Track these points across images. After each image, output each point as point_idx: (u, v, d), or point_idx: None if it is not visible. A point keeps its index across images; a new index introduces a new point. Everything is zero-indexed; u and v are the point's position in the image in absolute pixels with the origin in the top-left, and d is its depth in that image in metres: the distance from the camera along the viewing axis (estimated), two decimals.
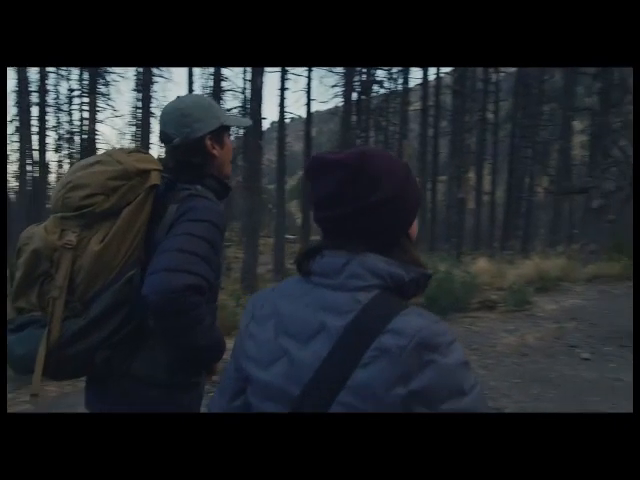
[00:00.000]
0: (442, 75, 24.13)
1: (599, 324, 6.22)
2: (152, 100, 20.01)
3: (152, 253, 1.23)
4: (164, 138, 1.40)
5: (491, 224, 24.92)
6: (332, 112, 24.11)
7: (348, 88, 16.40)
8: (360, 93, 16.94)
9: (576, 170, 19.84)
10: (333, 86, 21.05)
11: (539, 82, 22.60)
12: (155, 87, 20.16)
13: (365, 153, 0.85)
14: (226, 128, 1.45)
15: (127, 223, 1.24)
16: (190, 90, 19.05)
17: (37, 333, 1.19)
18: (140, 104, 21.05)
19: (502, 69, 23.11)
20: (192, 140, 1.36)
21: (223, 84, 18.69)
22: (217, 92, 18.90)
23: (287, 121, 20.66)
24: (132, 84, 23.54)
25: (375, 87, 22.20)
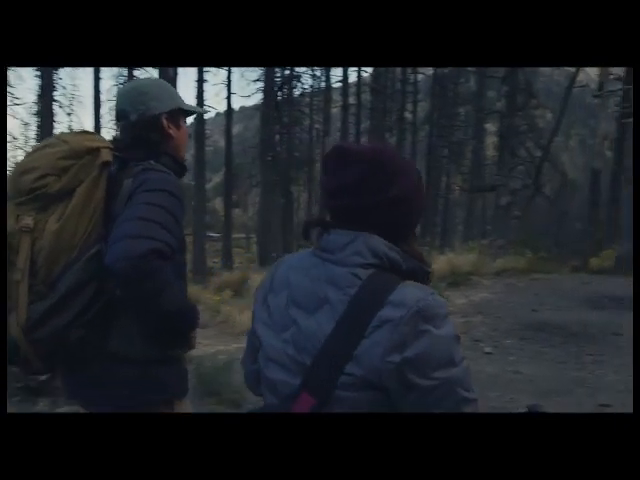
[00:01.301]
0: (363, 74, 24.43)
1: (503, 317, 6.40)
2: (56, 87, 18.42)
3: (112, 227, 1.22)
4: (120, 115, 1.41)
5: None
6: (257, 108, 23.65)
7: (269, 83, 16.07)
8: (280, 89, 16.71)
9: (488, 169, 20.87)
10: (255, 80, 20.69)
11: (454, 85, 23.57)
12: (60, 73, 18.55)
13: (384, 150, 0.91)
14: (182, 112, 1.47)
15: (82, 201, 1.23)
16: (98, 77, 17.82)
17: (11, 320, 1.19)
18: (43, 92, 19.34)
19: (420, 70, 23.81)
20: (149, 117, 1.38)
21: (136, 72, 17.60)
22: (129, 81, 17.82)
23: (212, 116, 19.91)
24: (34, 70, 21.65)
25: (297, 84, 22.00)
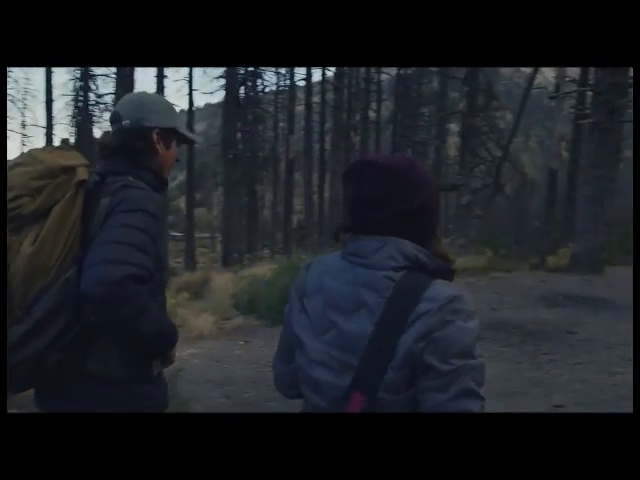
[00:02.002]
0: (327, 72, 24.36)
1: None
2: (8, 81, 17.57)
3: (88, 248, 1.19)
4: (114, 118, 1.40)
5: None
6: (222, 105, 23.22)
7: (231, 81, 15.75)
8: (243, 85, 16.42)
9: (450, 169, 21.16)
10: (217, 77, 20.27)
11: (418, 85, 23.79)
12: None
13: (411, 161, 0.98)
14: (175, 135, 1.47)
15: (58, 222, 1.20)
16: (50, 71, 17.08)
17: None
18: None
19: (384, 70, 23.91)
20: (140, 126, 1.37)
21: (93, 68, 16.96)
22: (86, 76, 17.18)
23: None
24: None
25: (260, 81, 21.72)
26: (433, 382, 0.86)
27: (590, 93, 10.13)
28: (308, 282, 1.02)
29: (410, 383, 0.88)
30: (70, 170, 1.24)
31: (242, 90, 19.75)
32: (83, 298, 1.14)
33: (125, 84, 12.66)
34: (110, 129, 1.42)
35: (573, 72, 15.33)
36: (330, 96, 24.72)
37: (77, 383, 1.25)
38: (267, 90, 23.15)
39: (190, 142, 1.59)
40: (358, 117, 24.05)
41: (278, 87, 25.93)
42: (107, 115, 18.98)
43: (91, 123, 19.65)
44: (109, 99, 18.16)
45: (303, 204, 24.70)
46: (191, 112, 19.73)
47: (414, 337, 0.86)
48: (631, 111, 12.14)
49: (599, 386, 3.90)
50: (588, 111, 9.92)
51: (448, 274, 0.97)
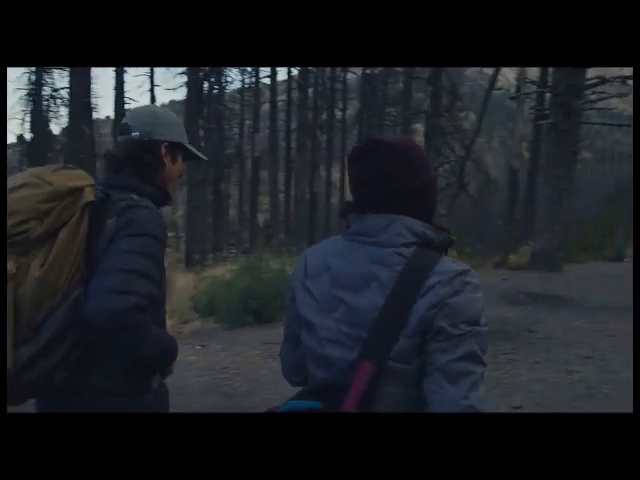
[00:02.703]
0: (293, 70, 24.17)
1: None
2: None
3: (94, 268, 1.21)
4: (124, 129, 1.41)
5: (341, 219, 25.69)
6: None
7: (193, 77, 15.34)
8: (205, 81, 16.05)
9: None
10: (180, 73, 19.77)
11: (384, 85, 23.90)
12: None
13: (412, 142, 1.07)
14: (182, 150, 1.49)
15: (66, 244, 1.20)
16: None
17: None
18: None
19: (350, 69, 23.90)
20: (150, 139, 1.39)
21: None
22: (40, 70, 16.45)
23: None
24: None
25: (223, 78, 21.31)
26: (442, 344, 0.91)
27: (549, 94, 10.32)
28: (309, 266, 1.06)
29: (421, 351, 0.93)
30: (77, 191, 1.23)
31: (206, 87, 19.30)
32: (85, 325, 1.16)
33: (81, 78, 12.15)
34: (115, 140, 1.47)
35: (533, 74, 15.67)
36: (297, 94, 24.61)
37: (79, 396, 1.27)
38: (233, 88, 22.73)
39: (196, 158, 1.60)
40: (324, 116, 23.98)
41: (244, 84, 25.61)
42: (64, 110, 18.30)
43: (47, 118, 18.90)
44: (65, 93, 17.44)
45: (269, 203, 24.50)
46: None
47: (427, 305, 0.92)
48: (588, 112, 12.48)
49: (557, 386, 3.91)
50: (547, 112, 10.11)
51: (451, 245, 1.05)
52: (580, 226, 21.96)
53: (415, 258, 0.96)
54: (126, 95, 18.27)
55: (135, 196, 1.31)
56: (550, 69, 11.65)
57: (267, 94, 24.48)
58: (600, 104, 10.16)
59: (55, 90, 18.14)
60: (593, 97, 9.90)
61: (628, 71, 10.47)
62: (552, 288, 7.52)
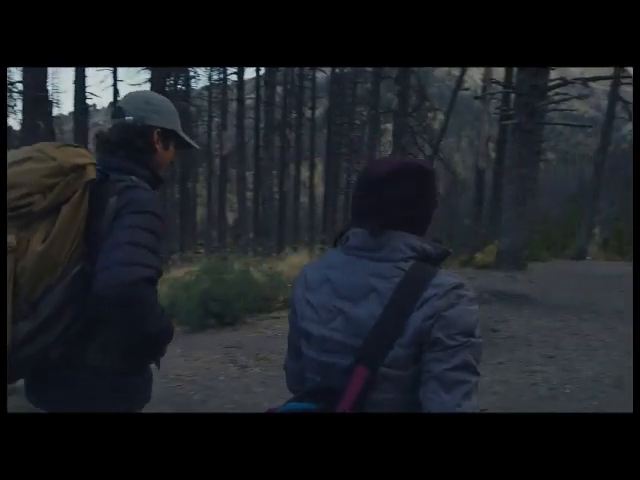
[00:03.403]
0: (261, 69, 23.87)
1: None
2: None
3: (95, 246, 1.22)
4: (117, 113, 1.42)
5: (311, 218, 25.66)
6: None
7: (157, 73, 14.89)
8: (168, 77, 15.61)
9: None
10: (145, 69, 19.21)
11: (354, 84, 23.88)
12: None
13: (424, 165, 1.10)
14: (175, 138, 1.50)
15: (68, 220, 1.21)
16: None
17: None
18: None
19: (319, 69, 23.78)
20: (142, 124, 1.40)
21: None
22: None
23: (105, 106, 18.13)
24: None
25: (189, 74, 20.84)
26: (438, 354, 0.94)
27: (514, 95, 10.44)
28: (309, 280, 1.09)
29: (416, 359, 0.96)
30: (80, 168, 1.24)
31: (172, 83, 18.83)
32: (96, 298, 1.17)
33: (35, 72, 11.63)
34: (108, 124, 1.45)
35: (499, 74, 15.88)
36: (265, 92, 24.31)
37: (73, 374, 1.28)
38: (203, 84, 22.23)
39: (189, 147, 1.60)
40: (293, 114, 23.81)
41: (211, 81, 25.17)
42: (19, 104, 17.52)
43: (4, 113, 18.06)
44: (21, 87, 16.73)
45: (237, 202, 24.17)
46: (116, 105, 18.60)
47: (422, 317, 0.95)
48: (550, 114, 12.70)
49: (519, 387, 3.87)
50: (511, 112, 10.22)
51: (447, 256, 1.07)
52: (544, 225, 22.49)
53: (413, 271, 1.00)
54: (88, 90, 17.69)
55: (134, 177, 1.33)
56: (515, 69, 11.79)
57: (235, 91, 24.15)
58: (563, 105, 10.33)
59: (11, 84, 17.39)
60: (556, 98, 10.06)
61: (589, 73, 10.69)
62: (517, 287, 7.58)
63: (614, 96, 15.67)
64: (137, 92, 1.53)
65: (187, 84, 22.56)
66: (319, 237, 22.17)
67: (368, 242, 1.03)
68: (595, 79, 10.10)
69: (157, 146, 1.44)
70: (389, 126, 24.04)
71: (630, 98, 15.90)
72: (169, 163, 1.54)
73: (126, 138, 1.38)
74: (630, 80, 13.34)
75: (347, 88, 23.67)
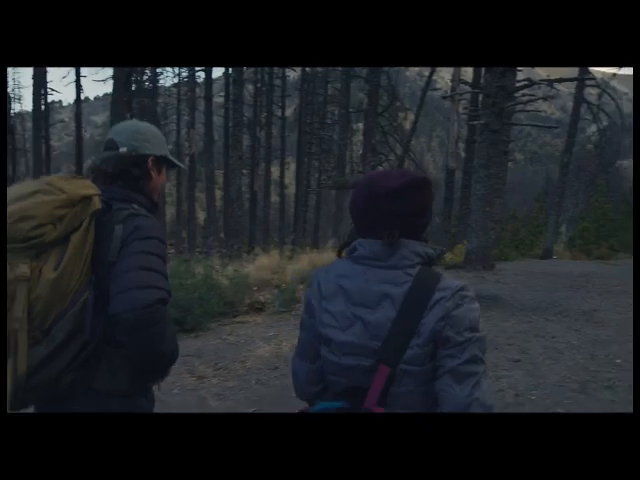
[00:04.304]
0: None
1: None
2: None
3: (102, 273, 1.29)
4: (110, 145, 1.49)
5: (281, 218, 25.41)
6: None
7: (120, 69, 14.37)
8: (130, 74, 15.11)
9: (356, 167, 21.32)
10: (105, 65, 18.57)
11: (326, 83, 23.74)
12: None
13: (426, 179, 1.19)
14: (165, 161, 1.58)
15: (77, 248, 1.27)
16: None
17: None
18: None
19: (289, 68, 23.55)
20: (137, 154, 1.48)
21: None
22: None
23: (71, 102, 17.46)
24: None
25: (152, 71, 20.30)
26: (450, 351, 1.07)
27: (481, 95, 10.46)
28: (323, 288, 1.19)
29: (432, 356, 1.08)
30: (87, 199, 1.30)
31: (137, 80, 18.28)
32: (115, 321, 1.23)
33: None
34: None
35: (468, 75, 15.99)
36: (233, 90, 23.91)
37: (80, 398, 1.31)
38: (169, 83, 21.60)
39: (178, 167, 1.69)
40: (264, 113, 23.51)
41: (180, 78, 24.65)
42: None
43: None
44: None
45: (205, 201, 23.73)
46: (79, 101, 17.98)
47: (435, 318, 1.07)
48: (518, 115, 12.83)
49: None
50: (479, 112, 10.23)
51: (443, 255, 1.09)
52: (512, 224, 22.85)
53: (420, 276, 1.12)
54: (48, 86, 17.04)
55: (136, 206, 1.41)
56: (482, 70, 11.84)
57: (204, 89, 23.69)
58: (529, 107, 10.41)
59: None
60: (524, 99, 10.11)
61: (555, 74, 10.80)
62: (485, 288, 7.56)
63: (579, 98, 15.97)
64: (125, 123, 1.58)
65: (155, 81, 22.00)
66: (289, 237, 21.98)
67: (377, 252, 1.14)
68: (560, 80, 10.20)
69: (152, 172, 1.52)
70: (360, 125, 24.01)
71: (594, 100, 16.26)
72: (162, 187, 1.62)
73: (123, 168, 1.46)
74: (594, 82, 13.59)
75: (318, 87, 23.50)
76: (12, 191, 1.29)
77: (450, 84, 15.63)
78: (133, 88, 17.78)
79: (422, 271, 1.12)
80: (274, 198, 29.62)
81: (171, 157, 1.60)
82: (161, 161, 1.56)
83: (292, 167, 29.27)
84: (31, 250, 1.22)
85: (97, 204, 1.32)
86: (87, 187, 1.34)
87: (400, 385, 1.09)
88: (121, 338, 1.26)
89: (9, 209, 1.23)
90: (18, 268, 1.20)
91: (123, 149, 1.46)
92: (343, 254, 1.22)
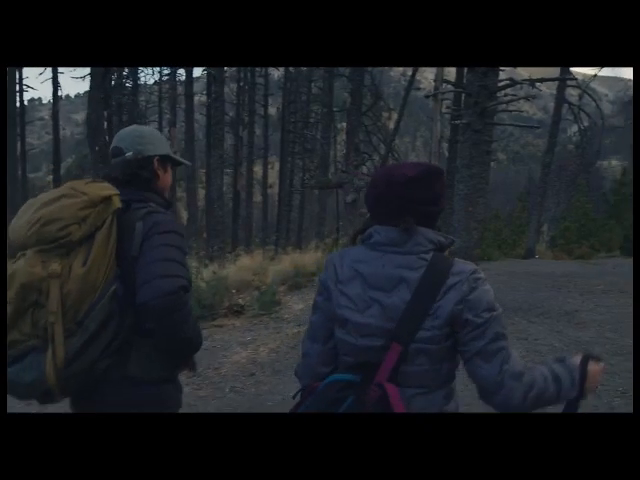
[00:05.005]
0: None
1: None
2: None
3: (126, 266, 1.39)
4: (116, 152, 1.58)
5: (265, 218, 25.19)
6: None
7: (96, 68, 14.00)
8: (108, 71, 14.75)
9: (339, 166, 21.19)
10: None
11: (309, 82, 23.59)
12: None
13: (440, 168, 1.29)
14: (170, 161, 1.67)
15: (102, 245, 1.36)
16: None
17: (40, 358, 1.28)
18: None
19: (271, 68, 23.30)
20: (143, 157, 1.57)
21: None
22: None
23: (50, 99, 17.01)
24: None
25: (130, 68, 19.87)
26: (472, 334, 1.14)
27: (464, 95, 10.40)
28: (339, 272, 1.25)
29: (448, 337, 1.16)
30: (107, 199, 1.40)
31: (113, 76, 17.89)
32: (142, 309, 1.33)
33: None
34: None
35: (451, 74, 15.96)
36: (219, 89, 23.61)
37: (114, 386, 1.39)
38: (126, 77, 21.08)
39: (182, 164, 1.77)
40: (246, 112, 23.28)
41: (161, 76, 24.29)
42: None
43: None
44: None
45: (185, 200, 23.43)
46: (56, 98, 17.55)
47: (453, 302, 1.14)
48: (500, 115, 12.83)
49: (464, 401, 3.67)
50: (462, 112, 10.17)
51: (453, 244, 1.28)
52: (495, 224, 22.95)
53: (435, 261, 1.17)
54: (24, 83, 16.60)
55: (152, 204, 1.50)
56: (465, 70, 11.80)
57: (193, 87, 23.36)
58: (511, 107, 10.38)
59: None
60: (505, 99, 10.08)
61: (536, 75, 10.81)
62: None
63: (560, 99, 16.06)
64: (127, 129, 1.65)
65: (135, 78, 21.62)
66: (271, 238, 21.77)
67: (394, 238, 1.20)
68: (542, 80, 10.19)
69: (159, 172, 1.61)
70: (344, 125, 23.90)
71: (575, 100, 16.38)
72: (170, 185, 1.70)
73: (131, 172, 1.54)
74: (575, 82, 13.66)
75: (301, 86, 23.34)
76: (40, 198, 1.41)
77: (433, 84, 15.58)
78: (112, 84, 17.40)
79: (436, 256, 1.18)
80: (257, 198, 29.37)
81: (174, 155, 1.69)
82: (166, 160, 1.65)
83: (276, 166, 29.06)
84: (61, 249, 1.33)
85: (117, 203, 1.42)
86: (107, 188, 1.44)
87: (414, 364, 1.15)
88: (149, 325, 1.35)
89: (37, 214, 1.35)
90: (50, 266, 1.31)
91: (129, 154, 1.56)
92: (357, 241, 1.28)
